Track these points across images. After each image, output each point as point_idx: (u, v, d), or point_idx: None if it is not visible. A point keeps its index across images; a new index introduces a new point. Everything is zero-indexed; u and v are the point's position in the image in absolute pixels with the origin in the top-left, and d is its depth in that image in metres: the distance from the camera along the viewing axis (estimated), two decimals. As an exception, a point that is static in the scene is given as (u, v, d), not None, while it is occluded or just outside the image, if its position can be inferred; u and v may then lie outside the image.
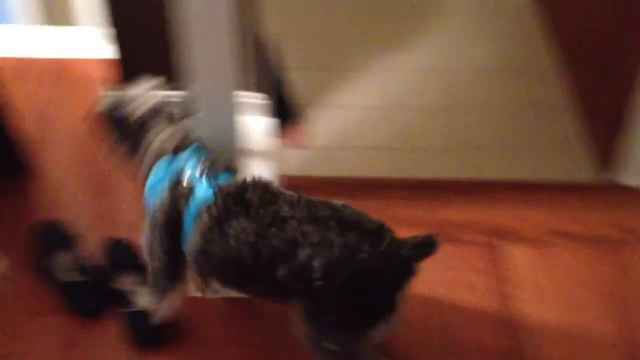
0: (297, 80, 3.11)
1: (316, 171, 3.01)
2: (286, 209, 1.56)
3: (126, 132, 1.69)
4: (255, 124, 2.15)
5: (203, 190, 1.59)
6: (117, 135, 1.71)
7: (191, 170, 1.63)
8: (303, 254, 1.49)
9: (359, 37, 3.58)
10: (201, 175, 1.62)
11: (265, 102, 2.41)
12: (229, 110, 1.73)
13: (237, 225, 1.54)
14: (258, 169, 2.09)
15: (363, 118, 3.20)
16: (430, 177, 2.83)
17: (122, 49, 2.38)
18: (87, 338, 1.94)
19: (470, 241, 2.19)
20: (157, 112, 1.69)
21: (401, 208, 2.42)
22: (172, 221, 1.63)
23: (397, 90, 3.29)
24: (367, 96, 3.28)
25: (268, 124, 2.42)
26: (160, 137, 1.68)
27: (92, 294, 1.95)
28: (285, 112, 3.03)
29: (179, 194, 1.61)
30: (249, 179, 1.64)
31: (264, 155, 2.30)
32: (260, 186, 1.62)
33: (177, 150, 1.67)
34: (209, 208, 1.57)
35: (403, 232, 2.20)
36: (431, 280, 2.08)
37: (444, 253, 2.12)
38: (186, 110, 1.74)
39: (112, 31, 2.36)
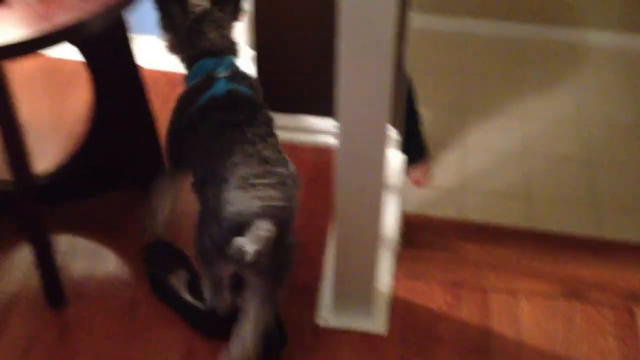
0: (429, 118, 3.08)
1: (435, 211, 2.95)
2: (250, 136, 1.76)
3: (180, 22, 1.88)
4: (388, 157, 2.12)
5: (221, 86, 1.83)
6: (170, 22, 1.90)
7: (222, 69, 1.86)
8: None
9: (498, 80, 3.52)
10: (227, 76, 1.85)
11: (396, 135, 2.38)
12: (380, 143, 1.69)
13: (211, 123, 1.80)
14: (386, 203, 2.06)
15: (490, 162, 3.13)
16: (555, 230, 2.74)
17: (260, 69, 2.40)
18: (206, 354, 1.93)
19: (605, 303, 2.08)
20: (207, 16, 1.89)
21: (525, 258, 2.34)
22: (192, 103, 1.87)
23: (529, 137, 3.21)
24: (497, 140, 3.21)
25: (398, 158, 2.39)
26: (214, 35, 1.90)
27: (209, 317, 1.94)
28: (414, 148, 2.99)
29: (206, 81, 1.86)
30: (257, 102, 1.87)
31: (393, 189, 2.27)
32: (254, 112, 1.83)
33: (220, 53, 1.90)
34: (212, 98, 1.83)
35: (526, 284, 2.13)
36: (561, 338, 1.99)
37: (575, 311, 2.05)
38: (232, 23, 1.95)
39: (253, 51, 2.39)
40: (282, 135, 2.43)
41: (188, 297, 1.98)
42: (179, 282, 2.01)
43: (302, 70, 2.38)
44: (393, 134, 2.35)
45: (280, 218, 1.65)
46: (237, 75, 1.88)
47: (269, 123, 1.86)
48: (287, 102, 2.45)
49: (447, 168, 3.09)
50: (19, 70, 2.62)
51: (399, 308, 2.05)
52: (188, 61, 1.93)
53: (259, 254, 1.58)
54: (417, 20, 2.94)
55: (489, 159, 3.13)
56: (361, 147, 1.71)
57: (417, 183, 3.03)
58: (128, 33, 1.99)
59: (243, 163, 1.71)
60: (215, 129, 1.79)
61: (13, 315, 1.99)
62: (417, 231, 2.47)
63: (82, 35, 1.53)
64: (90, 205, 2.25)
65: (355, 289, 1.97)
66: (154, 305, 2.02)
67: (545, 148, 3.17)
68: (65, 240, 2.17)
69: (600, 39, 3.66)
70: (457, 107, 3.38)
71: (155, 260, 2.07)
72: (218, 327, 1.93)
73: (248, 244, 1.57)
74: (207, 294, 1.92)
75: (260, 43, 2.35)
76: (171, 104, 2.58)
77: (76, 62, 2.65)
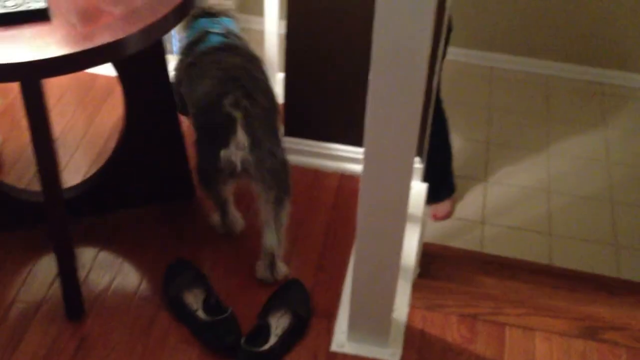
0: (460, 150, 3.09)
1: (456, 242, 2.96)
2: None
3: None
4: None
5: (215, 39, 2.09)
6: None
7: (217, 26, 2.14)
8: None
9: (527, 115, 3.53)
10: (219, 32, 2.12)
11: (420, 165, 2.40)
12: (406, 173, 1.71)
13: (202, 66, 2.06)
14: (407, 232, 2.07)
15: (515, 197, 3.13)
16: (574, 268, 2.73)
17: (288, 94, 2.43)
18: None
19: (621, 343, 2.07)
20: None
21: (543, 295, 2.34)
22: (188, 55, 2.12)
23: (554, 174, 3.22)
24: (521, 175, 3.22)
25: (421, 188, 2.40)
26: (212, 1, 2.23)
27: (224, 331, 1.96)
28: (442, 185, 3.00)
29: (201, 35, 2.12)
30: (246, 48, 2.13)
31: (414, 219, 2.28)
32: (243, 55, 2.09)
33: (217, 15, 2.19)
34: (207, 48, 2.08)
35: (543, 321, 2.13)
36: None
37: (591, 351, 2.04)
38: None
39: (283, 76, 2.42)
40: (308, 160, 2.48)
41: (203, 316, 1.99)
42: (195, 301, 2.03)
43: (330, 98, 2.41)
44: (417, 163, 2.37)
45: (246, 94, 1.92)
46: (230, 33, 2.13)
47: (258, 66, 2.11)
48: (313, 129, 2.48)
49: (470, 200, 3.10)
50: (53, 84, 2.67)
51: (414, 338, 2.05)
52: (189, 22, 2.19)
53: (245, 159, 1.90)
54: (450, 52, 2.97)
55: (515, 194, 3.14)
56: (386, 177, 1.73)
57: (436, 218, 3.03)
58: (163, 52, 2.02)
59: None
60: (205, 67, 2.04)
61: (32, 324, 2.01)
62: (436, 262, 2.48)
63: (121, 54, 1.56)
64: (116, 220, 2.27)
65: (372, 316, 1.98)
66: (170, 322, 2.03)
67: (569, 185, 3.17)
68: (89, 253, 2.19)
69: (633, 80, 3.67)
70: (483, 140, 3.39)
71: (173, 279, 2.09)
72: (231, 346, 1.95)
73: (233, 154, 1.89)
74: (216, 219, 2.22)
75: (290, 68, 2.38)
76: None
77: (110, 78, 2.69)
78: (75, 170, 2.40)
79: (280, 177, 2.00)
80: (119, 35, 1.53)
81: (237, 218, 2.22)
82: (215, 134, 1.94)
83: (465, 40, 3.70)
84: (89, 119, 2.61)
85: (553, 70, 3.73)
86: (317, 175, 2.46)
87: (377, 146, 1.68)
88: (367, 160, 1.72)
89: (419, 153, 2.36)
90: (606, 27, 3.56)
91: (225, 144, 1.90)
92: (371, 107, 1.62)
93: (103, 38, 1.53)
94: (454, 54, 3.45)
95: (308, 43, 2.31)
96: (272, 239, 2.06)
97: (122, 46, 1.54)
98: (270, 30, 2.65)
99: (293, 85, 2.41)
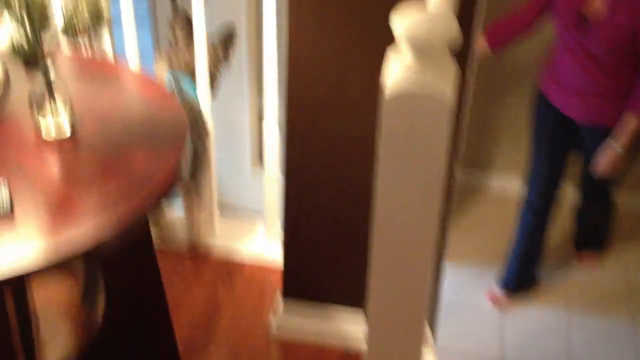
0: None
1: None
2: None
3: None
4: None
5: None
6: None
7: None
8: None
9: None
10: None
11: (428, 331, 2.22)
12: (415, 346, 1.53)
13: None
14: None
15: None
16: None
17: (288, 257, 2.27)
18: None
19: None
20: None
21: None
22: None
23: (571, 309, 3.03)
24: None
25: (430, 356, 2.21)
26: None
27: None
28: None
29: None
30: None
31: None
32: None
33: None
34: None
35: None
36: None
37: None
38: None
39: (282, 241, 2.27)
40: (308, 338, 2.26)
41: None
42: None
43: (331, 260, 2.25)
44: (428, 331, 2.19)
45: None
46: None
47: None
48: (313, 292, 2.30)
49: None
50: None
51: None
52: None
53: None
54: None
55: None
56: (394, 348, 1.55)
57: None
58: (148, 225, 1.85)
59: None
60: None
61: None
62: None
63: (95, 252, 1.35)
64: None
65: None
66: None
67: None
68: None
69: None
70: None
71: None
72: None
73: None
74: None
75: (289, 229, 2.23)
76: (195, 289, 2.47)
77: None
78: (60, 344, 2.20)
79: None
80: (91, 230, 1.33)
81: None
82: None
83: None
84: (71, 289, 2.43)
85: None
86: (319, 354, 2.26)
87: (381, 312, 1.54)
88: (372, 331, 1.57)
89: (430, 320, 2.18)
90: None
91: None
92: (374, 270, 1.48)
93: (72, 233, 1.31)
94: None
95: (307, 203, 2.17)
96: None
97: (95, 243, 1.33)
98: (270, 190, 2.52)
99: (292, 247, 2.26)
